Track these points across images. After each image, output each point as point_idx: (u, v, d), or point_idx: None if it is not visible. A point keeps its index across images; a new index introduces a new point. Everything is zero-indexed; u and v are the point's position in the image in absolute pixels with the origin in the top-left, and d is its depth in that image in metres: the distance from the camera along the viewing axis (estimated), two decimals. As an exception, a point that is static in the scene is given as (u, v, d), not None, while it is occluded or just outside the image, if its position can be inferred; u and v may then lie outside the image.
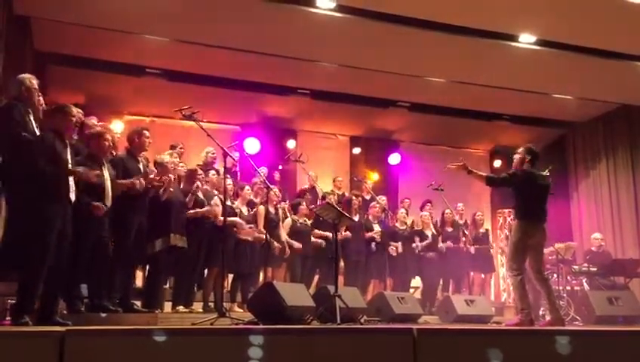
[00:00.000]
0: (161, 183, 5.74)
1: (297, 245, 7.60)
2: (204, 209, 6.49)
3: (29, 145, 4.18)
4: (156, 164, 6.07)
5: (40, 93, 4.58)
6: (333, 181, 9.48)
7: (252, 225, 7.14)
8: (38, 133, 4.38)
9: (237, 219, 6.92)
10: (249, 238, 7.00)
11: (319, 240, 7.84)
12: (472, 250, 8.73)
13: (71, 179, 4.34)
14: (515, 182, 5.81)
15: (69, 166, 4.33)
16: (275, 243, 7.29)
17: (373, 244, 8.23)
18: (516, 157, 5.95)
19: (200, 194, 6.56)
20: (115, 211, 5.19)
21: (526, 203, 5.72)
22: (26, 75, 4.61)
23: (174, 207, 6.03)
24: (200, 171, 6.80)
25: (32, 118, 4.42)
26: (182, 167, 6.76)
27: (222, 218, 6.20)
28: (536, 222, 5.70)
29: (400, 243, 8.55)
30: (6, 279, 4.54)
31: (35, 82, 4.52)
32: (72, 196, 4.34)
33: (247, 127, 10.90)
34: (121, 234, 5.37)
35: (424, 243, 8.61)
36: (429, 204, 9.27)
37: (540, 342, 3.22)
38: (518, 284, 5.63)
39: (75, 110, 4.58)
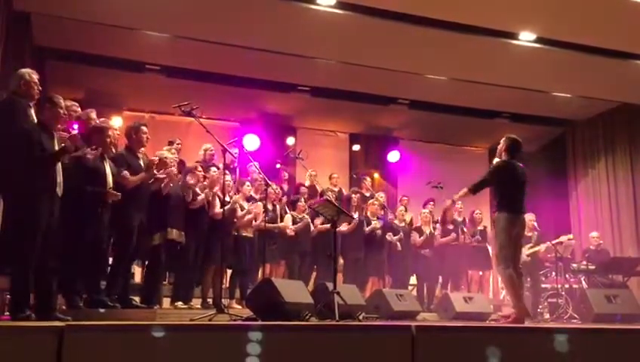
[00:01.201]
0: (164, 177, 5.74)
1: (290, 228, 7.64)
2: (199, 199, 6.46)
3: (20, 139, 4.16)
4: (160, 160, 6.02)
5: (40, 88, 4.57)
6: (330, 178, 9.45)
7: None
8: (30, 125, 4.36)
9: (238, 201, 6.95)
10: (249, 226, 7.02)
11: (324, 226, 7.77)
12: (473, 241, 8.72)
13: (59, 174, 4.30)
14: (496, 176, 5.75)
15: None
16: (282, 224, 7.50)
17: (378, 232, 8.25)
18: (499, 146, 5.92)
19: (198, 190, 6.56)
20: (116, 209, 5.19)
21: (507, 194, 5.65)
22: (26, 70, 4.61)
23: (172, 201, 6.03)
24: (199, 168, 6.79)
25: (32, 112, 4.41)
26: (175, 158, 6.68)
27: (220, 210, 6.20)
28: (519, 214, 5.65)
29: (398, 239, 8.55)
30: (3, 273, 4.53)
31: (35, 76, 4.51)
32: (59, 191, 4.29)
33: (246, 123, 10.90)
34: (123, 233, 5.37)
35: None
36: (431, 203, 9.25)
37: (539, 340, 3.22)
38: (508, 278, 5.58)
39: (63, 102, 4.53)
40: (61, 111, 4.45)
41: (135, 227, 5.42)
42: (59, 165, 4.30)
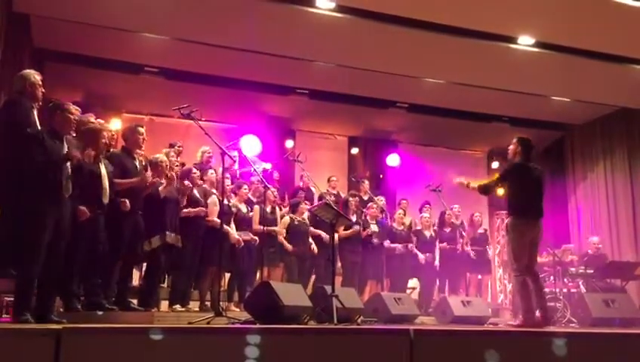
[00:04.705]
0: (158, 181, 5.73)
1: (289, 247, 7.56)
2: (196, 209, 6.47)
3: (29, 142, 4.16)
4: (151, 163, 6.02)
5: (44, 90, 4.59)
6: (328, 180, 9.40)
7: (241, 233, 7.08)
8: (39, 129, 4.37)
9: (228, 228, 6.86)
10: (241, 244, 6.99)
11: (313, 247, 7.77)
12: (471, 254, 8.72)
13: (65, 176, 4.27)
14: (508, 178, 5.65)
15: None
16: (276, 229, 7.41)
17: (375, 240, 8.23)
18: (511, 148, 5.79)
19: (196, 193, 6.55)
20: (110, 210, 5.17)
21: (520, 198, 5.53)
22: (31, 71, 4.62)
23: (170, 205, 6.01)
24: (195, 170, 6.78)
25: (35, 114, 4.41)
26: (177, 166, 6.70)
27: (216, 219, 6.19)
28: (532, 219, 5.53)
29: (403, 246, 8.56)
30: (3, 276, 4.53)
31: (39, 78, 4.54)
32: (66, 193, 4.28)
33: (245, 126, 10.88)
34: (116, 233, 5.33)
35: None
36: (427, 206, 9.24)
37: (537, 344, 3.22)
38: (520, 286, 5.48)
39: (73, 108, 4.57)
40: (72, 117, 4.49)
41: (127, 229, 5.38)
42: (67, 168, 4.30)
